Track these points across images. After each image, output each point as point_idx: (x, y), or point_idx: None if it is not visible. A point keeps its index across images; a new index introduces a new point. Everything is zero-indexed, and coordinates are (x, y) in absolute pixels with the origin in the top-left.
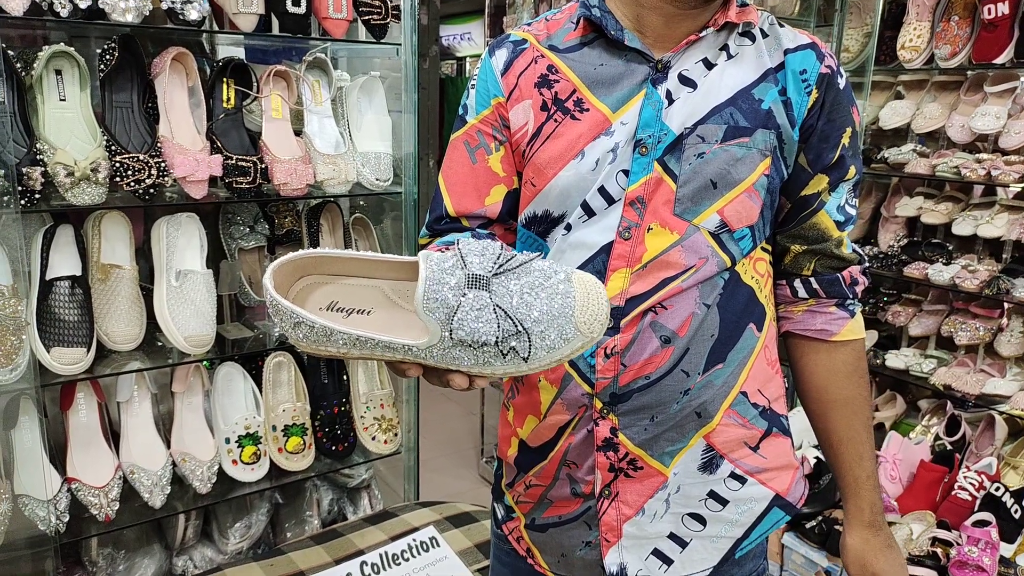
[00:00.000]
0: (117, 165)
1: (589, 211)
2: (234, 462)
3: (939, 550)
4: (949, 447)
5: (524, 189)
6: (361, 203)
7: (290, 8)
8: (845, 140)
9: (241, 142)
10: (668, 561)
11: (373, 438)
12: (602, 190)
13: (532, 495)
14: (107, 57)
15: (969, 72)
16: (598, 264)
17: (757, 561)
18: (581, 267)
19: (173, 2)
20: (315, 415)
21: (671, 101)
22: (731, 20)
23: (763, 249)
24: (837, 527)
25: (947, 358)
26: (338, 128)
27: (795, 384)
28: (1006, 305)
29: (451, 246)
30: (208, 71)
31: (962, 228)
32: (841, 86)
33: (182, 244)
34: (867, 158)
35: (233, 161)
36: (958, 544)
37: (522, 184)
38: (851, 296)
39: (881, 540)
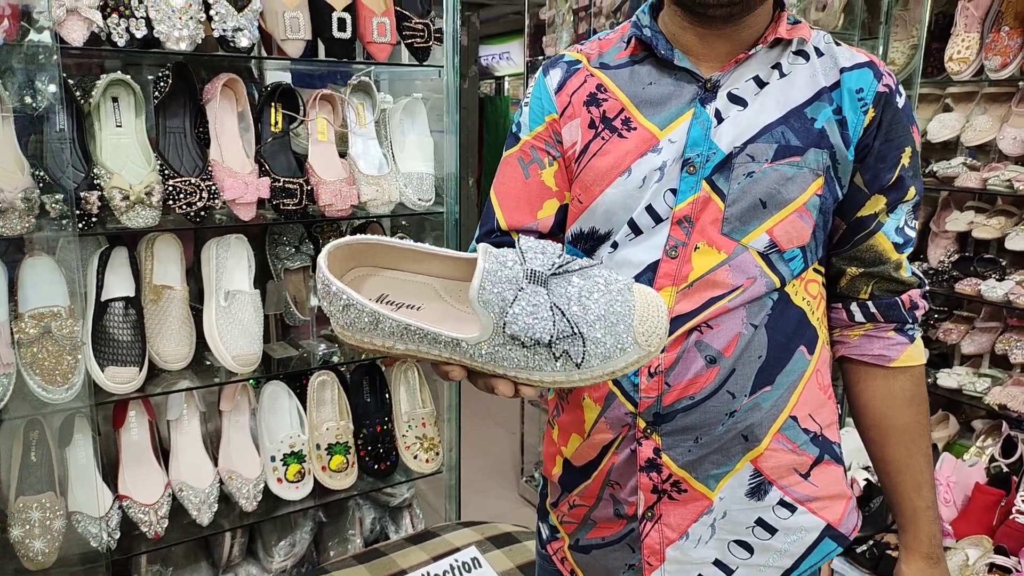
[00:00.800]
0: (170, 189)
1: (636, 229)
2: (279, 480)
3: None
4: (1006, 469)
5: (572, 206)
6: (403, 223)
7: (336, 34)
8: (904, 160)
9: (288, 165)
10: None
11: (415, 457)
12: (649, 208)
13: (576, 515)
14: (161, 84)
15: (1021, 83)
16: (644, 282)
17: None
18: None
19: (224, 30)
20: (358, 434)
21: (720, 120)
22: (781, 36)
23: (815, 271)
24: (889, 551)
25: (1002, 376)
26: (382, 149)
27: (851, 410)
28: None
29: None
30: (257, 96)
31: (1016, 243)
32: (900, 105)
33: (231, 265)
34: None
35: (280, 183)
36: (1017, 571)
37: (571, 201)
38: (911, 320)
39: (938, 573)
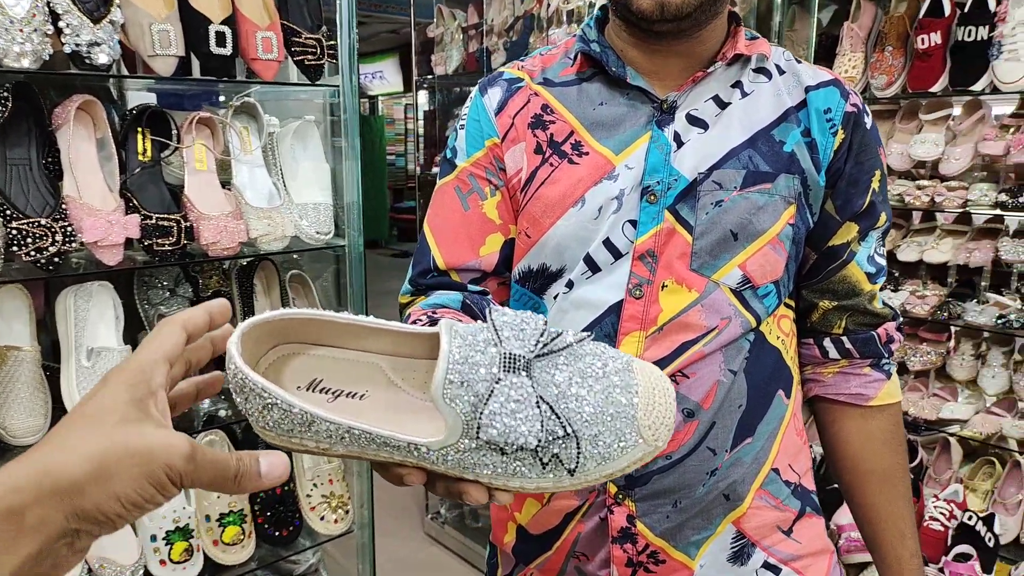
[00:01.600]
0: (14, 232)
1: (593, 266)
2: (162, 562)
3: None
4: (911, 476)
5: (518, 240)
6: (295, 257)
7: (214, 49)
8: (875, 184)
9: (161, 198)
10: None
11: (322, 518)
12: (607, 242)
13: None
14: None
15: (902, 100)
16: (607, 327)
17: None
18: (587, 329)
19: (78, 44)
20: (254, 498)
21: (680, 144)
22: (741, 52)
23: (786, 305)
24: None
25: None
26: (271, 178)
27: (825, 453)
28: (952, 329)
29: (447, 312)
30: (119, 120)
31: (907, 254)
32: (868, 125)
33: (93, 317)
34: None
35: (153, 221)
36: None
37: (517, 235)
38: (886, 355)
39: None
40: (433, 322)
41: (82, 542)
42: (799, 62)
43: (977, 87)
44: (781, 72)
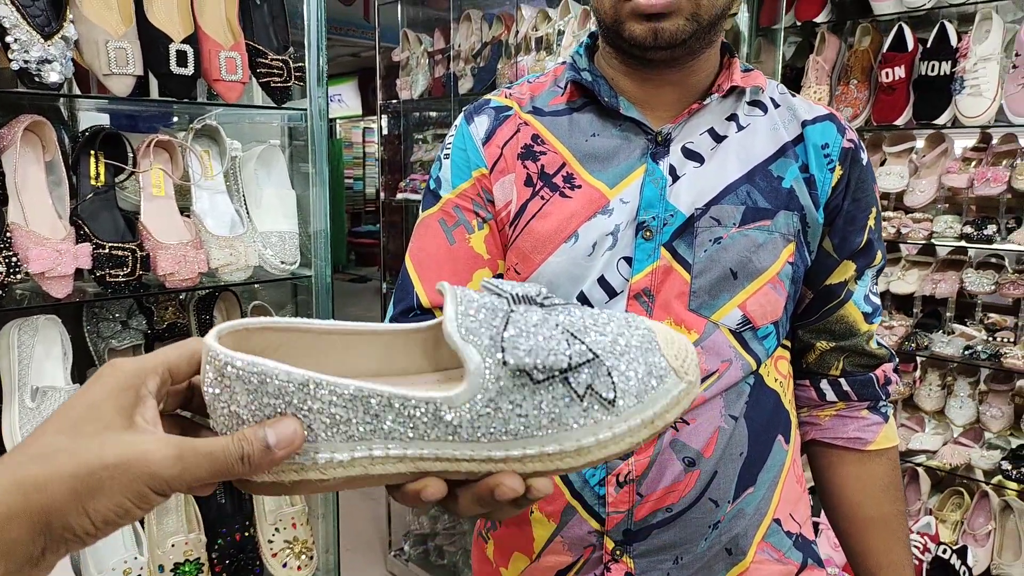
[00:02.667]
0: None
1: (588, 305)
2: None
3: None
4: None
5: (507, 277)
6: (258, 287)
7: (175, 69)
8: (871, 222)
9: (115, 226)
10: None
11: (284, 565)
12: (602, 280)
13: None
14: None
15: (867, 133)
16: None
17: None
18: None
19: (27, 61)
20: (212, 546)
21: (676, 178)
22: (737, 84)
23: (783, 346)
24: None
25: None
26: (233, 205)
27: (822, 499)
28: (918, 359)
29: None
30: (68, 143)
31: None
32: (864, 162)
33: (39, 354)
34: None
35: (106, 250)
36: None
37: (505, 271)
38: (883, 397)
39: None
40: None
41: (47, 561)
42: (793, 95)
43: (940, 120)
44: (776, 105)
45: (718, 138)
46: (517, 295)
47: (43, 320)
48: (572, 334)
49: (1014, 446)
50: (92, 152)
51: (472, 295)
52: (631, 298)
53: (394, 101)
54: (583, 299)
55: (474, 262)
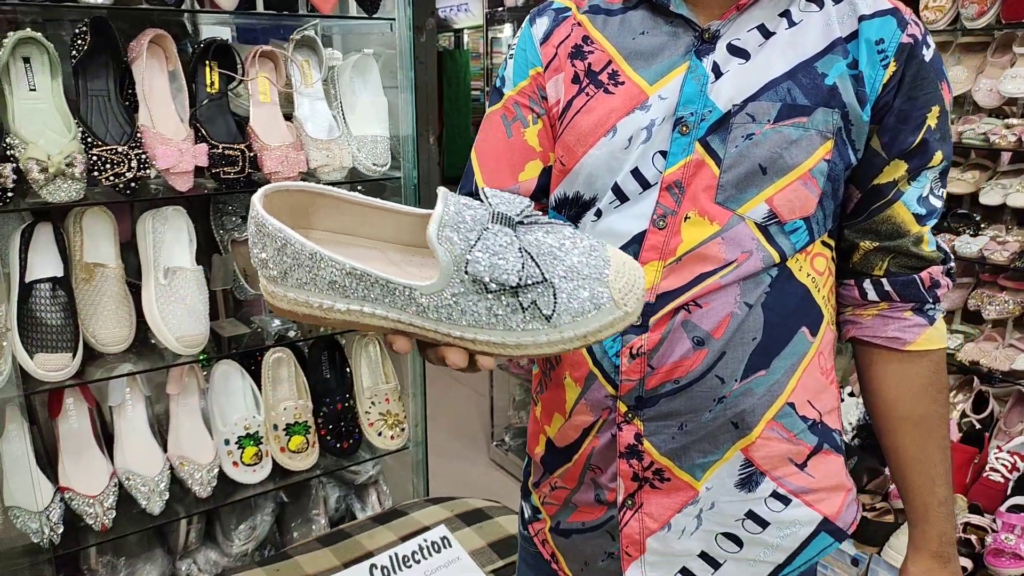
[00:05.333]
0: (94, 158)
1: (621, 196)
2: (235, 464)
3: (973, 536)
4: (977, 425)
5: (554, 168)
6: (359, 188)
7: None
8: (931, 121)
9: (228, 129)
10: None
11: (379, 434)
12: (636, 172)
13: (557, 497)
14: (79, 42)
15: (996, 32)
16: (629, 255)
17: None
18: None
19: None
20: (318, 412)
21: (719, 75)
22: None
23: (824, 243)
24: (866, 513)
25: (974, 332)
26: (331, 111)
27: (863, 394)
28: None
29: None
30: (190, 53)
31: (990, 198)
32: (928, 58)
33: (169, 239)
34: None
35: (220, 150)
36: (993, 530)
37: (554, 163)
38: (931, 300)
39: (948, 573)
40: None
41: None
42: None
43: None
44: (837, 1)
45: (767, 34)
46: (499, 212)
47: (171, 210)
48: (532, 257)
49: None
50: (207, 62)
51: (461, 205)
52: (663, 190)
53: (500, 10)
54: (617, 190)
55: (528, 154)
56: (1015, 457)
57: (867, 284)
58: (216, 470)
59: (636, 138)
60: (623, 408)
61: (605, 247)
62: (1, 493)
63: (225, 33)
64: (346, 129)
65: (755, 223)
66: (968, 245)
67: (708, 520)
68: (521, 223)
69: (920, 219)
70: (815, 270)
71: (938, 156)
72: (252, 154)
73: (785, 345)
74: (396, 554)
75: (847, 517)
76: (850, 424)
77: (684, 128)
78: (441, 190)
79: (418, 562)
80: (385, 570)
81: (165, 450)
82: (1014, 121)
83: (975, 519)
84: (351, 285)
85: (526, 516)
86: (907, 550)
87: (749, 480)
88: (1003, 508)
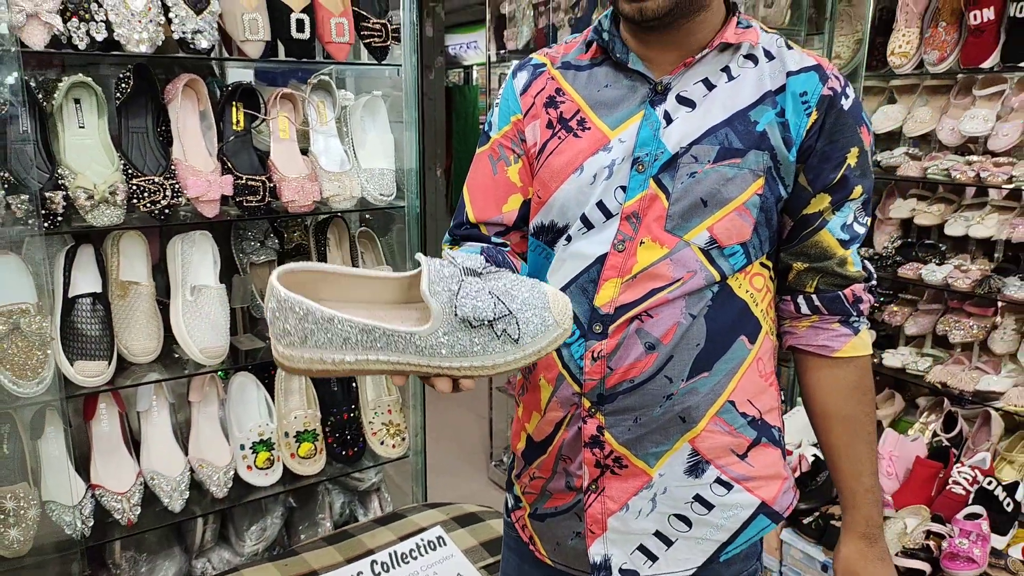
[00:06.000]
0: (134, 188)
1: (588, 224)
2: (249, 467)
3: (932, 543)
4: (946, 443)
5: (533, 201)
6: (367, 217)
7: (295, 35)
8: (851, 160)
9: (251, 162)
10: (653, 557)
11: (382, 443)
12: (600, 204)
13: (535, 487)
14: (123, 85)
15: (959, 76)
16: (592, 274)
17: (747, 563)
18: (578, 276)
19: (184, 32)
20: (325, 421)
21: (669, 121)
22: (729, 41)
23: (762, 264)
24: (834, 523)
25: (943, 356)
26: (343, 146)
27: (802, 397)
28: (999, 304)
29: None
30: (219, 94)
31: (954, 229)
32: (847, 107)
33: (196, 260)
34: None
35: (243, 181)
36: (950, 536)
37: (532, 197)
38: (855, 313)
39: (875, 552)
40: None
41: None
42: (790, 47)
43: None
44: (771, 58)
45: (710, 87)
46: (467, 267)
47: (199, 235)
48: (498, 297)
49: None
50: (233, 103)
51: (439, 265)
52: (623, 219)
53: (503, 52)
54: (584, 219)
55: (510, 189)
56: (976, 471)
57: (800, 299)
58: (232, 472)
59: (600, 175)
60: (587, 404)
61: (540, 284)
62: (40, 488)
63: (247, 76)
64: (356, 162)
65: (699, 247)
66: (933, 273)
67: (661, 503)
68: (481, 274)
69: (844, 243)
70: (754, 287)
71: (858, 190)
72: (272, 185)
73: (726, 351)
74: (395, 551)
75: (783, 502)
76: None
77: (640, 167)
78: (420, 256)
79: (415, 559)
80: (385, 566)
81: (186, 453)
82: (974, 158)
83: (936, 527)
84: (361, 339)
85: (509, 505)
86: (840, 535)
87: (696, 468)
88: (960, 516)
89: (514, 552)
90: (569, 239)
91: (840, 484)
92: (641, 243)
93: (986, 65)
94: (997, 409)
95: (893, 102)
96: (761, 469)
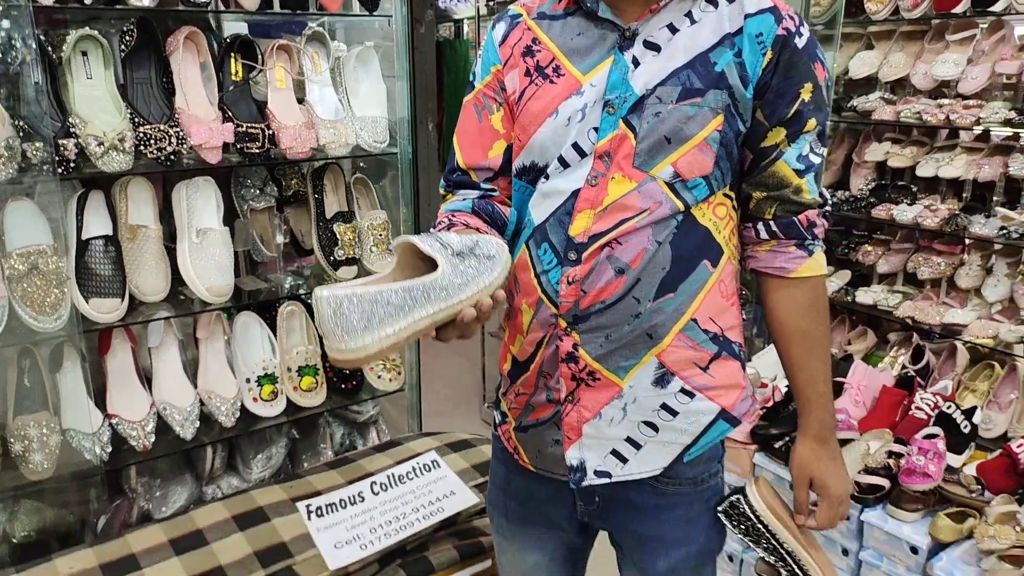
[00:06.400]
0: (141, 135)
1: (564, 163)
2: (254, 399)
3: (892, 462)
4: (913, 374)
5: (515, 144)
6: (361, 164)
7: None
8: (805, 95)
9: (250, 111)
10: (624, 460)
11: (379, 377)
12: (575, 145)
13: (519, 402)
14: (127, 38)
15: (934, 21)
16: (568, 207)
17: (709, 465)
18: (556, 210)
19: None
20: (325, 357)
21: (637, 65)
22: None
23: (725, 195)
24: None
25: (913, 293)
26: (337, 96)
27: (764, 315)
28: (967, 242)
29: (462, 215)
30: (217, 47)
31: (924, 170)
32: (800, 45)
33: (200, 205)
34: (838, 107)
35: (243, 129)
36: (908, 455)
37: (514, 141)
38: (809, 237)
39: (826, 452)
40: (452, 225)
41: None
42: None
43: (997, 8)
44: (730, 1)
45: (674, 31)
46: (453, 249)
47: (202, 180)
48: (460, 238)
49: None
50: (232, 55)
51: (437, 246)
52: (596, 158)
53: (491, 3)
54: (561, 159)
55: (494, 135)
56: (937, 397)
57: (760, 226)
58: (239, 404)
59: (574, 118)
60: (563, 324)
61: (493, 240)
62: (60, 417)
63: (243, 29)
64: (350, 111)
65: (664, 181)
66: (904, 213)
67: (631, 411)
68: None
69: (799, 173)
70: (716, 216)
71: (812, 123)
72: (271, 132)
73: (689, 274)
74: (392, 474)
75: (741, 409)
76: None
77: (611, 109)
78: (411, 237)
79: (411, 479)
80: (383, 486)
81: (195, 386)
82: (945, 101)
83: (897, 448)
84: (406, 299)
85: (496, 420)
86: (796, 436)
87: (662, 379)
88: (918, 436)
89: (501, 462)
90: (547, 177)
91: (796, 392)
92: (612, 178)
93: (958, 10)
94: (966, 343)
95: (871, 48)
96: (721, 380)
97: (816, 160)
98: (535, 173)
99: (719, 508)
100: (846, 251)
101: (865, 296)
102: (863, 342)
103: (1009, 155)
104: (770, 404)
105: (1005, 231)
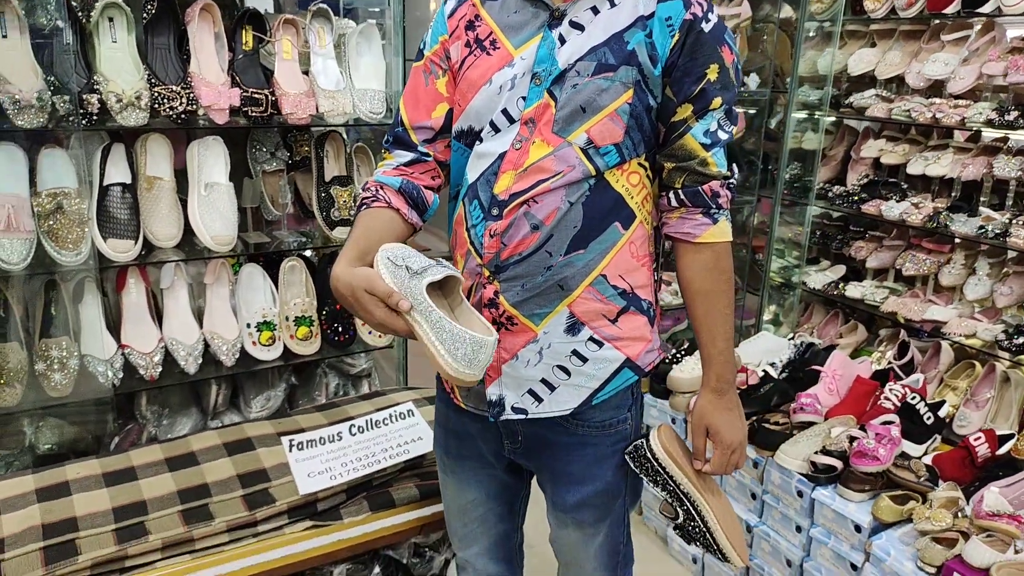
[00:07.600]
0: (156, 94)
1: (495, 128)
2: (254, 343)
3: (848, 445)
4: (897, 368)
5: (455, 110)
6: (363, 133)
7: None
8: (711, 75)
9: (257, 79)
10: (539, 399)
11: (369, 332)
12: (505, 111)
13: None
14: (148, 7)
15: (933, 22)
16: (495, 167)
17: (618, 412)
18: (485, 170)
19: None
20: (321, 310)
21: (563, 42)
22: None
23: (640, 164)
24: (765, 426)
25: (902, 289)
26: (339, 68)
27: (677, 276)
28: (955, 240)
29: (389, 192)
30: (233, 19)
31: (914, 168)
32: (707, 29)
33: (210, 162)
34: (836, 103)
35: (248, 93)
36: (862, 439)
37: (454, 106)
38: (714, 206)
39: (722, 403)
40: (375, 199)
41: None
42: None
43: (986, 9)
44: None
45: (596, 12)
46: (409, 267)
47: (212, 139)
48: (420, 268)
49: None
50: (244, 26)
51: (390, 266)
52: (522, 124)
53: None
54: (492, 124)
55: (437, 98)
56: (906, 389)
57: (671, 194)
58: (239, 346)
59: (505, 87)
60: (487, 273)
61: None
62: (80, 344)
63: (268, 4)
64: (350, 83)
65: (579, 147)
66: (892, 209)
67: (546, 356)
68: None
69: (706, 147)
70: (629, 183)
71: (717, 101)
72: (274, 98)
73: (600, 233)
74: (371, 419)
75: (646, 360)
76: (780, 361)
77: (538, 80)
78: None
79: (387, 425)
80: (361, 429)
81: (201, 327)
82: (936, 100)
83: (855, 432)
84: (400, 258)
85: None
86: (699, 389)
87: (573, 328)
88: (875, 422)
89: (442, 402)
90: (481, 140)
91: (700, 347)
92: (534, 143)
93: (950, 11)
94: (953, 343)
95: (874, 46)
96: (628, 332)
97: (723, 136)
98: (471, 136)
99: (625, 451)
100: (840, 246)
101: (854, 291)
102: (853, 336)
103: (995, 156)
104: (745, 387)
105: (984, 230)
